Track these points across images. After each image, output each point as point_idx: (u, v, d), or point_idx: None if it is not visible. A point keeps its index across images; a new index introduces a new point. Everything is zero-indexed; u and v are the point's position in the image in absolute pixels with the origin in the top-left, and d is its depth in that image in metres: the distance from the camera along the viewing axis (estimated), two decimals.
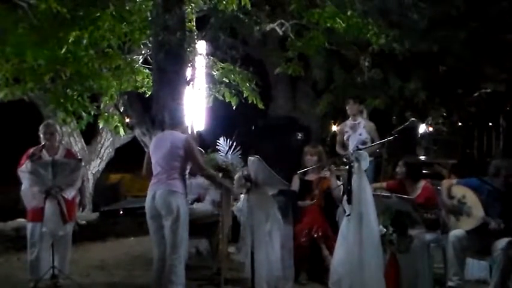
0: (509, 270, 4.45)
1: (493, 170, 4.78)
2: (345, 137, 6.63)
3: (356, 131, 6.54)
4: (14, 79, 6.47)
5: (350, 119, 6.70)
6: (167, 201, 4.37)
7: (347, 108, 6.80)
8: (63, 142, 8.03)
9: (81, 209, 5.67)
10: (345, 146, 6.59)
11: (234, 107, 7.55)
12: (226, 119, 8.91)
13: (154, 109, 6.17)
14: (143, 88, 7.09)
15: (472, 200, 4.69)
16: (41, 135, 5.21)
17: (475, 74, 9.61)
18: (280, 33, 7.93)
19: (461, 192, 4.78)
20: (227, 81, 7.40)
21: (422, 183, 5.11)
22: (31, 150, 5.14)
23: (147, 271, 5.69)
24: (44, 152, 5.16)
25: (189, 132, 6.38)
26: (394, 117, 10.30)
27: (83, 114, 6.71)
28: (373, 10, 7.35)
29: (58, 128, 5.47)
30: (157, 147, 4.62)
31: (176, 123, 4.81)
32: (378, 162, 6.74)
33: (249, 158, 4.63)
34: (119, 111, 7.04)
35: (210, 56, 7.33)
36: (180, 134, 4.64)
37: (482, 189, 4.74)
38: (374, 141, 6.24)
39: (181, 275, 4.41)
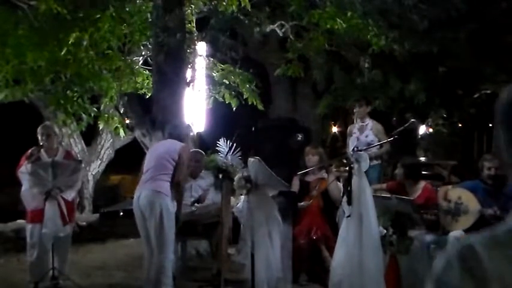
0: None
1: (479, 166, 4.83)
2: (352, 138, 6.64)
3: (363, 133, 6.54)
4: (14, 80, 6.48)
5: (359, 120, 6.69)
6: (151, 201, 4.44)
7: (354, 110, 6.79)
8: (63, 143, 8.07)
9: (80, 210, 5.67)
10: None
11: (234, 108, 7.56)
12: (226, 120, 8.91)
13: (154, 110, 6.18)
14: (143, 89, 7.10)
15: (467, 198, 4.72)
16: (39, 137, 5.22)
17: (475, 75, 9.62)
18: (280, 34, 7.94)
19: (457, 194, 4.81)
20: (227, 82, 7.41)
21: (422, 184, 5.11)
22: (29, 150, 5.15)
23: None
24: (43, 153, 5.16)
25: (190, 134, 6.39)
26: (394, 119, 10.29)
27: (83, 115, 6.72)
28: (373, 11, 7.36)
29: (56, 129, 5.48)
30: (154, 151, 4.73)
31: (176, 136, 4.85)
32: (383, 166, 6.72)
33: (249, 159, 4.63)
34: (119, 112, 7.05)
35: (210, 58, 7.34)
36: (177, 142, 4.71)
37: (477, 189, 4.77)
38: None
39: (170, 276, 4.46)
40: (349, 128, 6.91)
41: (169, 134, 4.91)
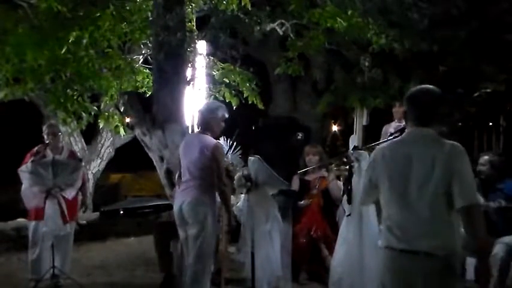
0: (508, 269, 4.45)
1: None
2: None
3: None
4: (14, 79, 6.47)
5: (396, 121, 6.73)
6: (195, 210, 4.26)
7: (393, 111, 6.81)
8: (63, 142, 8.08)
9: (83, 209, 5.67)
10: None
11: (234, 107, 7.55)
12: (226, 119, 8.90)
13: (154, 109, 6.17)
14: (143, 88, 7.10)
15: None
16: (45, 136, 5.24)
17: (475, 74, 9.61)
18: (281, 33, 7.94)
19: None
20: (227, 81, 7.40)
21: None
22: (35, 148, 5.15)
23: (147, 271, 5.71)
24: (48, 151, 5.18)
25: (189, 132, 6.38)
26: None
27: (83, 114, 6.71)
28: (373, 10, 7.36)
29: (61, 128, 5.49)
30: (187, 150, 4.44)
31: (207, 128, 4.50)
32: None
33: (249, 157, 4.63)
34: (119, 111, 7.04)
35: (210, 56, 7.33)
36: (210, 139, 4.41)
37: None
38: None
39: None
40: (384, 128, 6.89)
41: (201, 128, 4.54)
